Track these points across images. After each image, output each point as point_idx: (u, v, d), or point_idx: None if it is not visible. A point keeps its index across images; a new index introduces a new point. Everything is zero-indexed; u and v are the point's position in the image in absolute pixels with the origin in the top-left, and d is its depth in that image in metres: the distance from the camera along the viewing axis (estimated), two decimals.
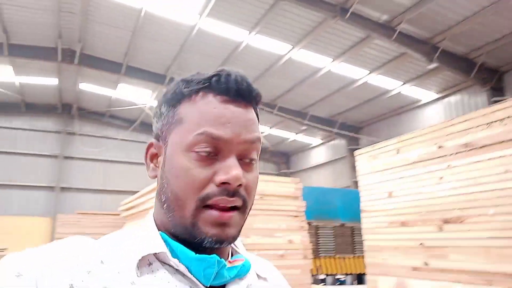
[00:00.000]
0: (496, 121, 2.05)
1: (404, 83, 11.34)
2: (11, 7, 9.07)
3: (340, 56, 10.09)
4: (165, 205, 0.60)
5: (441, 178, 2.30)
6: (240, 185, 0.57)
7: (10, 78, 12.34)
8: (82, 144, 15.52)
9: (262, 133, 0.68)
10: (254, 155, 0.61)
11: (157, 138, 0.65)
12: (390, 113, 13.22)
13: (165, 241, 0.59)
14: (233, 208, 0.57)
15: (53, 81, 12.81)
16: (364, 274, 9.05)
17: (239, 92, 0.60)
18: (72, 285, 0.51)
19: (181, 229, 0.58)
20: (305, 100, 12.90)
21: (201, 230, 0.56)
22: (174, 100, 0.62)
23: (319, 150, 16.86)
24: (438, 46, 9.28)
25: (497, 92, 10.11)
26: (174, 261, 0.56)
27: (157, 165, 0.64)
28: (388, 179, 2.64)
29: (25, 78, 12.50)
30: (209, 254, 0.58)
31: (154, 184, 4.16)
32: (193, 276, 0.57)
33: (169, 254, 0.57)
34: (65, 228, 9.74)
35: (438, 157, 2.33)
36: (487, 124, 2.08)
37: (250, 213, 0.65)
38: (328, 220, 9.22)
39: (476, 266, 2.05)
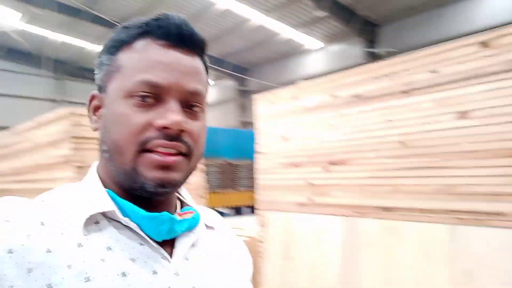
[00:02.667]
0: (383, 75, 2.28)
1: (294, 28, 11.67)
2: None
3: None
4: (107, 155, 0.59)
5: (331, 124, 2.51)
6: (182, 131, 0.56)
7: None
8: None
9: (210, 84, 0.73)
10: (199, 105, 0.61)
11: (99, 89, 0.63)
12: (278, 56, 13.63)
13: (112, 199, 0.58)
14: (178, 154, 0.57)
15: None
16: (246, 206, 9.75)
17: (181, 37, 0.59)
18: (11, 250, 0.49)
19: (123, 176, 0.58)
20: None
21: (142, 173, 0.56)
22: (114, 47, 0.61)
23: (210, 90, 16.79)
24: None
25: (372, 44, 11.13)
26: (125, 219, 0.56)
27: (99, 117, 0.63)
28: (284, 123, 2.78)
29: None
30: (156, 207, 0.60)
31: None
32: (144, 232, 0.57)
33: (118, 212, 0.57)
34: None
35: (331, 106, 2.52)
36: (375, 77, 2.30)
37: None
38: (214, 158, 9.44)
39: (353, 201, 2.36)
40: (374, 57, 11.06)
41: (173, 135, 0.56)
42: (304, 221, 2.60)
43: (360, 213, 2.33)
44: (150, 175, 0.55)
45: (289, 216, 2.71)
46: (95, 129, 0.64)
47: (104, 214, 0.57)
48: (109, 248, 0.54)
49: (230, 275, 0.68)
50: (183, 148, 0.57)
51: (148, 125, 0.56)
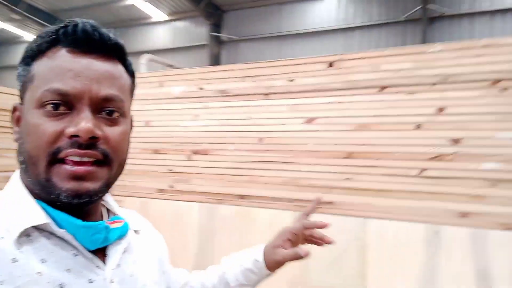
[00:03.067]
0: (249, 76, 2.51)
1: None
2: None
3: None
4: (23, 165, 0.59)
5: (196, 115, 2.63)
6: (95, 138, 0.56)
7: None
8: None
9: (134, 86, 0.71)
10: (117, 110, 0.61)
11: (20, 100, 0.63)
12: (119, 22, 12.73)
13: (44, 209, 0.57)
14: (95, 163, 0.57)
15: None
16: None
17: (89, 43, 0.59)
18: None
19: (39, 187, 0.57)
20: None
21: (56, 185, 0.55)
22: (28, 58, 0.61)
23: None
24: None
25: (216, 28, 11.50)
26: (60, 231, 0.56)
27: (20, 129, 0.62)
28: (148, 109, 2.76)
29: None
30: (85, 215, 0.61)
31: None
32: (79, 242, 0.58)
33: (53, 225, 0.57)
34: None
35: (198, 97, 2.63)
36: (242, 77, 2.52)
37: None
38: None
39: (212, 189, 2.57)
40: (217, 41, 11.48)
41: (84, 143, 0.55)
42: (163, 207, 2.68)
43: (218, 200, 2.55)
44: (63, 186, 0.55)
45: (148, 201, 2.74)
46: (16, 141, 0.62)
47: (35, 226, 0.56)
48: (44, 261, 0.54)
49: (159, 273, 0.76)
50: (98, 156, 0.57)
51: (60, 134, 0.55)
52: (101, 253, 0.62)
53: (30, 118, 0.57)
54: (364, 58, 2.36)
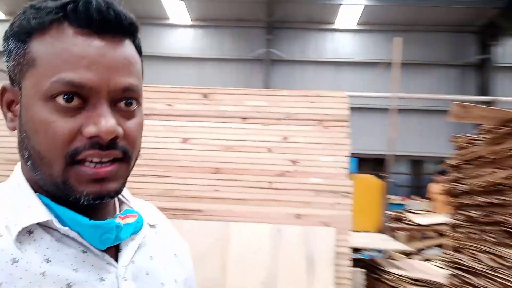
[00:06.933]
0: None
1: None
2: None
3: None
4: (28, 162, 0.52)
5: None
6: (116, 137, 0.50)
7: None
8: None
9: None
10: (135, 100, 0.54)
11: (12, 81, 0.54)
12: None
13: (46, 205, 0.52)
14: (114, 160, 0.52)
15: None
16: None
17: (105, 23, 0.50)
18: None
19: (52, 187, 0.52)
20: None
21: (75, 188, 0.50)
22: (22, 33, 0.51)
23: None
24: None
25: None
26: (64, 229, 0.51)
27: (16, 114, 0.54)
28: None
29: None
30: (97, 211, 0.56)
31: None
32: (86, 240, 0.53)
33: (56, 222, 0.51)
34: None
35: None
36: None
37: None
38: None
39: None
40: None
41: (106, 143, 0.49)
42: None
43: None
44: (84, 190, 0.50)
45: None
46: (13, 129, 0.54)
47: (37, 223, 0.51)
48: (48, 261, 0.50)
49: (175, 273, 0.67)
50: (119, 155, 0.52)
51: (76, 133, 0.49)
52: (112, 248, 0.56)
53: (37, 112, 0.49)
54: (231, 94, 2.95)
